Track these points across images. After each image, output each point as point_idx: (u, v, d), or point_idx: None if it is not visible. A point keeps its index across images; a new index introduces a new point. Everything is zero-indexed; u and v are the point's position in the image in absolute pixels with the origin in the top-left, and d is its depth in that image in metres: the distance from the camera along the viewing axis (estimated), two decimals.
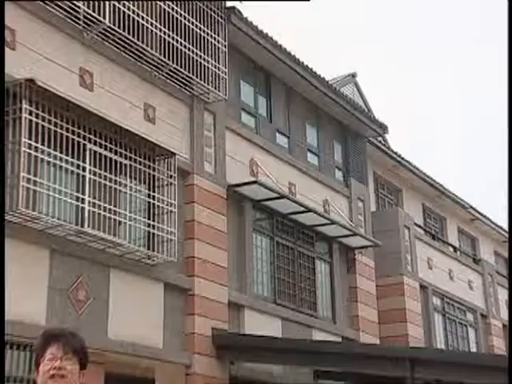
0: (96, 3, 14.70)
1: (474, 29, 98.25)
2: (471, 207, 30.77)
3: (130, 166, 15.21)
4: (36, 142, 13.28)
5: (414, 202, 28.30)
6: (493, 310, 29.38)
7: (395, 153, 26.82)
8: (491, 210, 63.33)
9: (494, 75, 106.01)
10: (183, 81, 16.94)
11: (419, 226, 26.90)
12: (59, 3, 14.25)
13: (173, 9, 16.48)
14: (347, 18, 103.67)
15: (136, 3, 15.54)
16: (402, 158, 27.02)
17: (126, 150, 15.07)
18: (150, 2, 15.92)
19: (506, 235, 33.72)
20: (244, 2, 18.29)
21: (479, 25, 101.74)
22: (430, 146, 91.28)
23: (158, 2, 16.13)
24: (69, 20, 14.61)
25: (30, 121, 13.19)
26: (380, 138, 25.67)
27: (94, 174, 14.35)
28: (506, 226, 33.83)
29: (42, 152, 13.44)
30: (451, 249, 29.01)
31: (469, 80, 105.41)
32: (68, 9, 14.42)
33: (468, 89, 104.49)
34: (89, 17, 14.72)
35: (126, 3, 15.25)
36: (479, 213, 31.47)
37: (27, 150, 13.08)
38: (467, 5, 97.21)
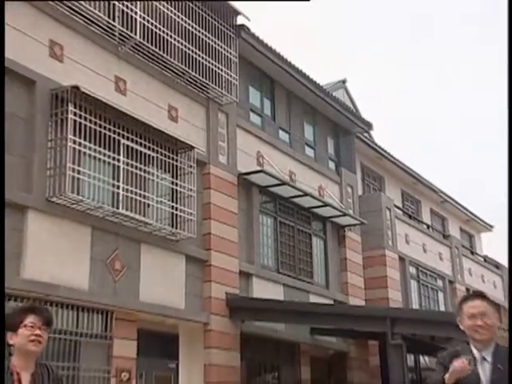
0: (129, 22, 14.67)
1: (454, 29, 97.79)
2: (441, 192, 30.85)
3: (157, 157, 15.16)
4: (79, 138, 13.27)
5: (394, 187, 28.21)
6: (458, 276, 29.37)
7: (378, 146, 26.80)
8: (458, 194, 63.37)
9: (469, 76, 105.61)
10: (201, 86, 16.87)
11: (398, 208, 26.76)
12: (98, 22, 14.28)
13: (192, 26, 16.38)
14: (341, 26, 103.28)
15: (163, 21, 15.50)
16: (384, 151, 27.02)
17: (153, 145, 15.04)
18: (174, 21, 15.84)
19: (470, 215, 33.98)
20: (252, 21, 18.14)
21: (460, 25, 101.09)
22: (407, 140, 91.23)
23: (180, 22, 16.06)
24: (106, 36, 14.59)
25: (75, 121, 13.19)
26: (366, 134, 25.68)
27: (127, 165, 14.30)
28: (471, 208, 34.20)
29: (85, 147, 13.41)
30: (425, 226, 28.91)
31: (444, 81, 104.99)
32: (105, 27, 14.44)
33: (443, 89, 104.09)
34: (123, 33, 14.72)
35: (154, 22, 15.24)
36: (448, 196, 31.44)
37: (72, 145, 13.10)
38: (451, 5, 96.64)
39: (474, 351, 4.59)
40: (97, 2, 14.13)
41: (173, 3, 15.98)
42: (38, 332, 4.66)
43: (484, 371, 4.41)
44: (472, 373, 4.35)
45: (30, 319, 4.65)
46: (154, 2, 15.41)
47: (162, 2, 15.63)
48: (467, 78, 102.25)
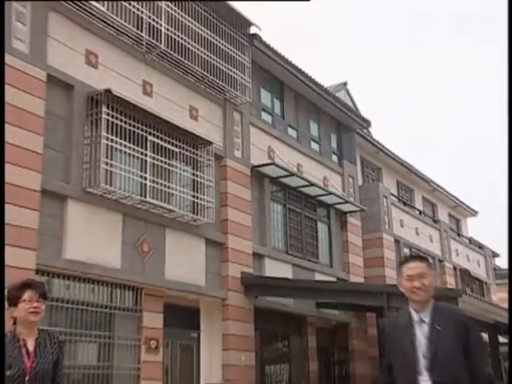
0: (155, 33, 14.74)
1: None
2: (432, 181, 30.79)
3: (179, 152, 15.19)
4: (112, 135, 13.37)
5: (390, 177, 28.05)
6: (447, 256, 29.28)
7: (376, 141, 26.69)
8: (447, 183, 63.31)
9: (461, 76, 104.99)
10: (218, 89, 16.90)
11: (394, 196, 26.68)
12: (128, 33, 14.37)
13: (210, 35, 16.39)
14: (341, 27, 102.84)
15: (185, 32, 15.51)
16: (381, 145, 26.91)
17: (176, 141, 15.07)
18: (194, 31, 15.87)
19: (457, 202, 33.94)
20: (263, 30, 18.09)
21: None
22: (402, 135, 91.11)
23: (200, 31, 16.08)
24: (135, 45, 14.69)
25: (107, 120, 13.30)
26: (365, 130, 25.63)
27: (153, 159, 14.36)
28: (458, 195, 34.16)
29: (116, 143, 13.50)
30: (417, 212, 28.84)
31: (437, 81, 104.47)
32: (134, 37, 14.53)
33: (436, 89, 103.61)
34: (149, 43, 14.80)
35: (177, 32, 15.26)
36: (438, 185, 31.32)
37: (105, 142, 13.21)
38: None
39: (412, 313, 4.16)
40: (125, 14, 14.17)
41: (192, 14, 15.99)
42: (35, 304, 4.80)
43: (422, 332, 4.00)
44: (409, 334, 4.02)
45: (27, 294, 4.78)
46: (174, 13, 15.43)
47: (185, 16, 15.68)
48: (459, 78, 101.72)
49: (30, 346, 4.76)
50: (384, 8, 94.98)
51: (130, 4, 14.25)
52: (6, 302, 4.83)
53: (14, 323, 4.80)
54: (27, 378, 4.64)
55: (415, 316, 4.05)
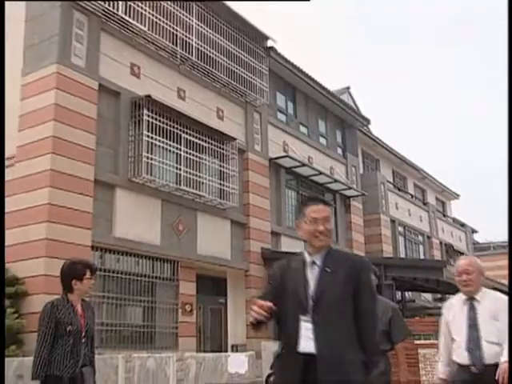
0: (187, 47, 14.75)
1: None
2: (422, 170, 30.64)
3: (208, 147, 15.21)
4: (152, 133, 13.47)
5: (386, 167, 27.84)
6: (434, 233, 29.13)
7: (375, 136, 26.57)
8: (435, 171, 63.23)
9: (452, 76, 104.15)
10: (240, 93, 16.87)
11: (390, 182, 26.50)
12: (164, 48, 14.38)
13: (234, 48, 16.37)
14: (342, 30, 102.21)
15: (212, 45, 15.51)
16: (379, 140, 26.78)
17: (205, 137, 15.09)
18: (220, 45, 15.85)
19: (443, 187, 33.77)
20: (278, 44, 18.13)
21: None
22: (397, 131, 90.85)
23: (225, 45, 16.05)
24: (170, 58, 14.71)
25: (148, 121, 13.41)
26: (365, 127, 25.58)
27: (186, 153, 14.42)
28: (444, 182, 33.98)
29: (155, 140, 13.56)
30: (409, 196, 28.80)
31: (432, 82, 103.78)
32: (170, 51, 14.55)
33: (429, 89, 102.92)
34: (183, 55, 14.82)
35: (206, 46, 15.28)
36: (427, 173, 31.16)
37: (146, 139, 13.32)
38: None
39: (306, 256, 3.43)
40: (162, 32, 14.21)
41: (218, 31, 15.96)
42: (93, 281, 5.06)
43: (313, 274, 3.33)
44: (299, 276, 3.34)
45: (89, 273, 4.97)
46: (203, 30, 15.42)
47: (212, 32, 15.68)
48: (447, 78, 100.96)
49: (79, 309, 4.94)
50: (383, 9, 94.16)
51: (166, 24, 14.30)
52: (68, 274, 4.92)
53: (66, 291, 4.93)
54: (83, 334, 4.86)
55: (308, 259, 3.38)
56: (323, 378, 3.08)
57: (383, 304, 5.53)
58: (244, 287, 16.25)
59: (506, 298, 4.60)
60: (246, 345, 15.59)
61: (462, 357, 4.51)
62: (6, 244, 11.22)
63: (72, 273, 4.95)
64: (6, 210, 11.55)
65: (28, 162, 11.67)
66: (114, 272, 12.77)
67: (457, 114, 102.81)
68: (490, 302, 4.57)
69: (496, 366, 4.36)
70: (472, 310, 4.58)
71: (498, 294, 4.74)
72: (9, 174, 11.66)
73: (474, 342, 4.48)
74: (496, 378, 4.31)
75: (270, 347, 15.41)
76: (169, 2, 14.49)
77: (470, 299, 4.63)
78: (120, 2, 13.15)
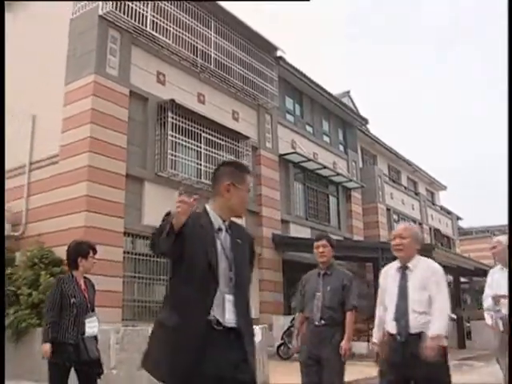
0: (206, 57, 14.76)
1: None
2: (414, 164, 30.49)
3: (225, 145, 15.19)
4: (175, 133, 13.50)
5: (383, 162, 27.60)
6: (424, 220, 28.82)
7: (372, 135, 26.41)
8: (425, 165, 62.89)
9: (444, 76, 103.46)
10: (253, 97, 16.83)
11: (386, 175, 26.25)
12: (186, 58, 14.35)
13: (247, 58, 16.35)
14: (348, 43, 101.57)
15: (228, 56, 15.49)
16: (377, 138, 26.66)
17: (222, 136, 15.06)
18: (235, 55, 15.84)
19: (432, 179, 33.59)
20: (287, 54, 18.11)
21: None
22: (392, 130, 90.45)
23: (239, 55, 16.03)
24: (192, 67, 14.71)
25: (172, 122, 13.44)
26: (363, 127, 25.47)
27: (206, 150, 14.40)
28: (433, 174, 33.80)
29: (179, 139, 13.60)
30: (403, 187, 28.75)
31: (427, 82, 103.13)
32: (191, 61, 14.53)
33: (425, 89, 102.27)
34: (202, 65, 14.82)
35: (222, 56, 15.27)
36: (418, 167, 31.16)
37: (171, 138, 13.35)
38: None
39: (213, 216, 2.99)
40: (185, 44, 14.21)
41: (234, 42, 15.95)
42: (95, 261, 5.09)
43: (225, 242, 2.93)
44: (211, 239, 2.87)
45: (92, 252, 5.02)
46: (220, 42, 15.42)
47: (228, 44, 15.68)
48: (439, 80, 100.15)
49: (82, 284, 5.02)
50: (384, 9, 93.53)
51: (188, 37, 14.31)
52: (74, 252, 4.98)
53: (71, 268, 4.99)
54: (88, 305, 4.95)
55: (216, 221, 2.92)
56: (247, 349, 2.81)
57: (341, 274, 5.63)
58: (257, 268, 16.11)
59: (437, 266, 4.22)
60: (258, 319, 15.61)
61: (390, 326, 4.21)
62: (50, 230, 11.61)
63: (78, 251, 5.01)
64: (51, 202, 11.93)
65: (69, 159, 11.80)
66: (143, 255, 12.80)
67: (454, 114, 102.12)
68: (422, 270, 4.19)
69: (420, 335, 4.00)
70: (403, 279, 4.22)
71: (431, 262, 4.32)
72: (53, 170, 12.08)
73: (401, 311, 4.12)
74: (420, 348, 3.92)
75: (280, 320, 15.50)
76: (190, 19, 14.48)
77: (403, 268, 4.28)
78: (148, 20, 13.19)
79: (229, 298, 2.81)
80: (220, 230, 2.91)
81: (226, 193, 2.98)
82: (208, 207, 3.03)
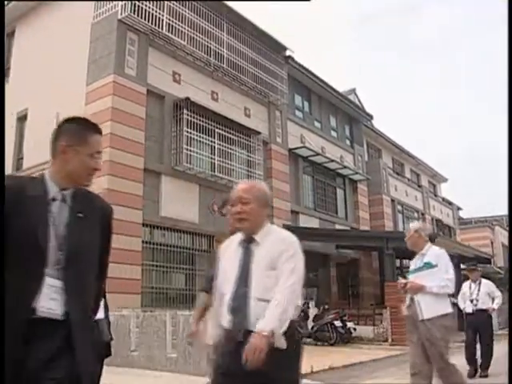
0: (219, 57, 14.75)
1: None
2: (417, 158, 30.32)
3: (238, 140, 15.21)
4: (190, 129, 13.55)
5: (387, 156, 27.42)
6: (427, 210, 28.73)
7: (377, 129, 26.30)
8: (428, 159, 62.56)
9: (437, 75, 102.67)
10: (264, 94, 16.84)
11: (390, 168, 26.16)
12: (200, 58, 14.36)
13: (258, 57, 16.34)
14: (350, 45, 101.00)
15: (240, 55, 15.48)
16: (381, 132, 26.54)
17: (235, 132, 15.08)
18: (247, 55, 15.84)
19: (434, 172, 33.40)
20: (296, 53, 18.18)
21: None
22: (395, 125, 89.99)
23: (251, 55, 16.01)
24: (205, 67, 14.76)
25: (187, 119, 13.49)
26: (369, 122, 25.44)
27: (219, 145, 14.43)
28: (435, 167, 33.62)
29: (193, 134, 13.63)
30: (406, 180, 28.67)
31: (425, 82, 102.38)
32: (205, 61, 14.57)
33: (425, 88, 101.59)
34: (216, 64, 14.84)
35: (235, 56, 15.27)
36: (421, 161, 30.99)
37: (186, 134, 13.42)
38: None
39: (49, 185, 2.27)
40: (199, 45, 14.23)
41: (245, 43, 15.94)
42: None
43: (59, 214, 2.20)
44: (42, 212, 2.17)
45: None
46: (232, 43, 15.43)
47: (240, 44, 15.68)
48: (438, 78, 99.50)
49: None
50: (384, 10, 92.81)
51: (201, 38, 14.34)
52: None
53: None
54: None
55: (53, 189, 2.23)
56: (74, 343, 2.12)
57: None
58: None
59: (292, 237, 2.85)
60: None
61: (224, 319, 2.76)
62: None
63: None
64: None
65: None
66: (160, 245, 12.94)
67: (448, 111, 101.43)
68: (271, 244, 2.78)
69: None
70: (246, 256, 2.78)
71: (285, 232, 2.91)
72: None
73: (239, 299, 2.69)
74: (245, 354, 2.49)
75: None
76: (203, 21, 14.51)
77: (247, 240, 2.83)
78: (164, 23, 13.26)
79: (54, 283, 2.14)
80: (54, 200, 2.23)
81: (63, 155, 2.28)
82: (46, 173, 2.32)
